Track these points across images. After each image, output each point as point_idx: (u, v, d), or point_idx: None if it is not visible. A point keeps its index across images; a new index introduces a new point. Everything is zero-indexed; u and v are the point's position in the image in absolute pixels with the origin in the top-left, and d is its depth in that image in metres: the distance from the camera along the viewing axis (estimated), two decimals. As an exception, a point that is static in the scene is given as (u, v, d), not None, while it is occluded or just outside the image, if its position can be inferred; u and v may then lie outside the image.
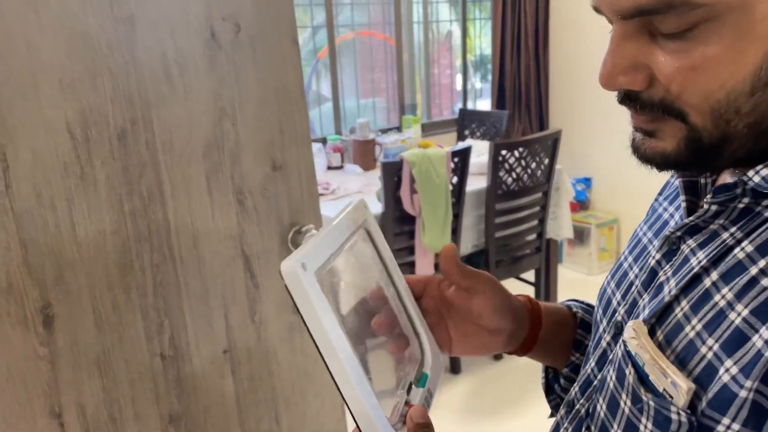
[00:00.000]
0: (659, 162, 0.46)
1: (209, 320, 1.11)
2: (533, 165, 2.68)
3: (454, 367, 2.74)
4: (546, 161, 2.73)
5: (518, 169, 2.64)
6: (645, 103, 0.45)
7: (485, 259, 2.73)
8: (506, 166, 2.60)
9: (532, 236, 2.87)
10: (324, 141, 3.41)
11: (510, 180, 2.64)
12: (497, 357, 2.84)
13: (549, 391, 0.73)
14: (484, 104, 4.55)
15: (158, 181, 1.02)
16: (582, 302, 0.72)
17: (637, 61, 0.43)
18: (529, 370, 2.68)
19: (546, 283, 3.07)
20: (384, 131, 3.69)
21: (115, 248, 0.99)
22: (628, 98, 0.46)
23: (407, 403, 0.54)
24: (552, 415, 0.74)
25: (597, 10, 0.45)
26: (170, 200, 1.04)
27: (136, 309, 1.03)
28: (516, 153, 2.60)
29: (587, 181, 4.01)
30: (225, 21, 1.06)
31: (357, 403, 0.47)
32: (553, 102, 4.24)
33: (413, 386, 0.57)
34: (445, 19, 4.45)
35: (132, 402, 1.04)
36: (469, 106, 4.50)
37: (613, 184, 3.87)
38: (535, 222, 2.83)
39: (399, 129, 3.86)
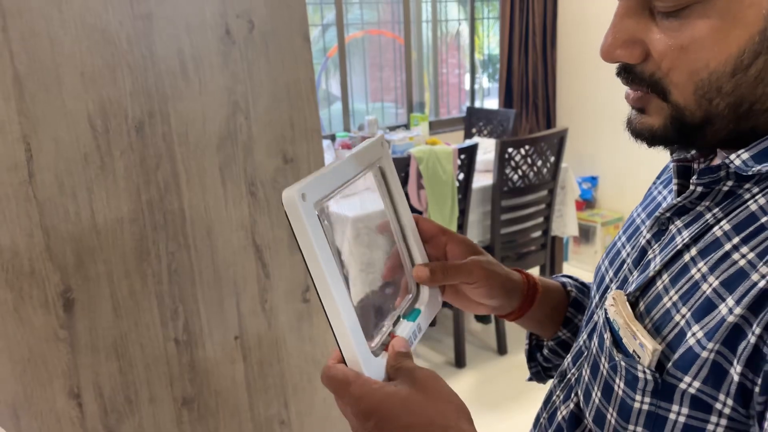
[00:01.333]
0: (647, 137, 0.49)
1: (221, 307, 1.15)
2: (539, 163, 2.71)
3: (459, 362, 2.78)
4: (552, 159, 2.76)
5: (524, 167, 2.67)
6: (636, 77, 0.48)
7: (491, 254, 2.76)
8: (512, 163, 2.63)
9: (538, 233, 2.89)
10: (333, 138, 3.44)
11: (516, 177, 2.67)
12: (501, 352, 2.87)
13: (531, 357, 0.78)
14: (492, 103, 4.58)
15: (174, 172, 1.06)
16: (577, 280, 0.76)
17: (635, 36, 0.47)
18: (533, 366, 2.70)
19: (551, 280, 3.09)
20: (392, 128, 3.73)
21: (133, 236, 1.03)
22: (624, 70, 0.49)
23: (391, 334, 0.57)
24: (530, 379, 0.79)
25: None
26: (185, 191, 1.08)
27: (151, 295, 1.07)
28: (522, 151, 2.63)
29: (593, 180, 4.03)
30: (239, 18, 1.10)
31: (340, 325, 0.50)
32: (560, 101, 4.25)
33: (402, 319, 0.60)
34: (453, 18, 4.48)
35: (147, 384, 1.09)
36: (477, 104, 4.52)
37: (619, 184, 3.89)
38: (540, 219, 2.85)
39: (407, 126, 3.89)
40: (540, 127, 4.21)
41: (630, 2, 0.46)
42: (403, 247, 0.63)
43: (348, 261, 0.60)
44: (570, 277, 0.76)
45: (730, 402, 0.42)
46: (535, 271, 3.08)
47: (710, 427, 0.43)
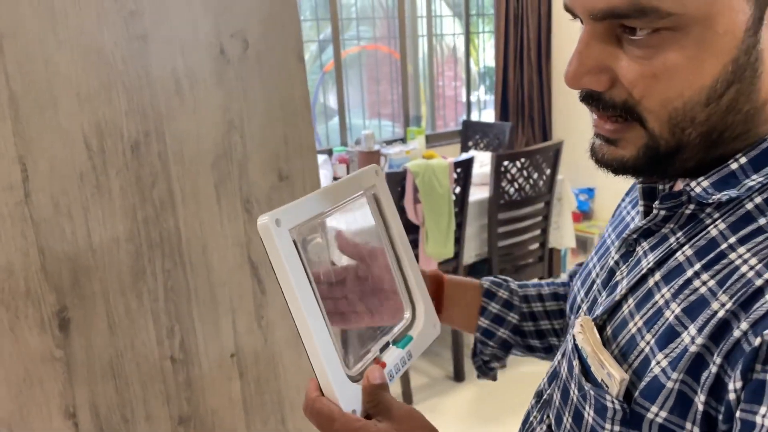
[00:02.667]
0: (616, 167, 0.50)
1: (217, 325, 1.15)
2: (535, 175, 2.72)
3: (458, 376, 2.77)
4: (548, 172, 2.77)
5: (520, 180, 2.68)
6: (607, 104, 0.47)
7: (488, 267, 2.76)
8: (508, 176, 2.64)
9: (535, 245, 2.90)
10: (330, 152, 3.46)
11: (512, 190, 2.68)
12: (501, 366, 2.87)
13: (474, 353, 0.81)
14: (490, 114, 4.60)
15: (170, 191, 1.07)
16: (498, 277, 0.78)
17: (602, 63, 0.46)
18: (532, 379, 2.69)
19: (549, 293, 3.09)
20: (389, 143, 3.75)
21: (129, 255, 1.04)
22: (590, 97, 0.48)
23: (376, 360, 0.57)
24: (479, 376, 0.82)
25: (568, 9, 0.48)
26: (181, 209, 1.09)
27: (147, 313, 1.07)
28: (518, 164, 2.64)
29: (590, 192, 4.04)
30: (233, 38, 1.11)
31: (313, 352, 0.50)
32: (555, 113, 4.28)
33: (390, 345, 0.59)
34: (449, 32, 4.51)
35: (143, 403, 1.08)
36: (475, 117, 4.55)
37: (617, 195, 3.88)
38: (537, 231, 2.86)
39: (404, 140, 3.91)
40: (536, 140, 4.23)
41: (597, 28, 0.45)
42: (398, 273, 0.63)
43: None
44: (493, 276, 0.80)
45: (696, 430, 0.43)
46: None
47: None
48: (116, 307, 1.04)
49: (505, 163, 2.60)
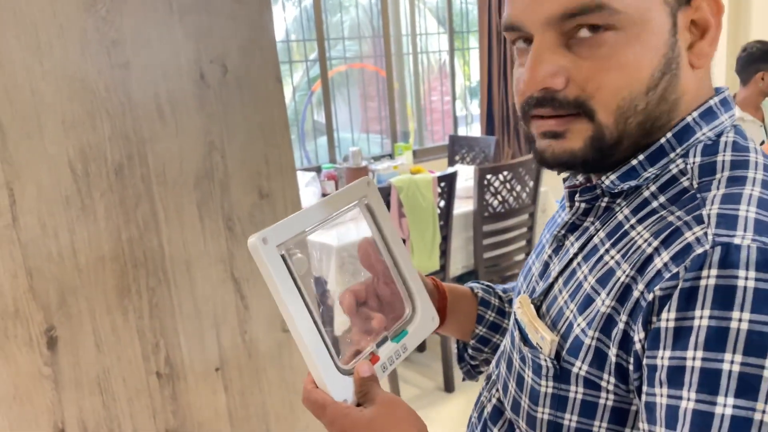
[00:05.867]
0: (566, 160, 0.55)
1: (202, 339, 1.19)
2: (518, 188, 2.77)
3: (448, 386, 2.80)
4: (531, 184, 2.82)
5: (504, 192, 2.73)
6: (561, 102, 0.53)
7: (475, 279, 2.80)
8: (492, 189, 2.69)
9: (521, 256, 2.94)
10: (318, 170, 3.51)
11: (496, 203, 2.73)
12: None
13: (460, 359, 0.86)
14: (477, 129, 4.67)
15: (153, 211, 1.11)
16: (482, 283, 0.84)
17: (557, 66, 0.52)
18: (521, 388, 2.72)
19: (537, 303, 3.13)
20: (377, 158, 3.80)
21: (114, 273, 1.08)
22: (544, 100, 0.54)
23: (372, 354, 0.62)
24: (464, 379, 0.87)
25: (514, 28, 0.54)
26: (164, 228, 1.13)
27: (133, 330, 1.11)
28: (501, 177, 2.69)
29: (577, 202, 4.10)
30: (213, 63, 1.16)
31: (304, 350, 0.57)
32: (541, 126, 4.34)
33: (388, 340, 0.65)
34: (434, 50, 4.59)
35: (130, 418, 1.12)
36: (463, 131, 4.61)
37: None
38: (523, 242, 2.91)
39: (391, 156, 3.96)
40: (522, 152, 4.29)
41: (547, 38, 0.52)
42: (396, 275, 0.68)
43: (333, 290, 0.65)
44: (477, 281, 0.86)
45: (612, 380, 0.50)
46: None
47: (601, 401, 0.51)
48: (102, 324, 1.07)
49: (488, 176, 2.66)
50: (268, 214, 1.25)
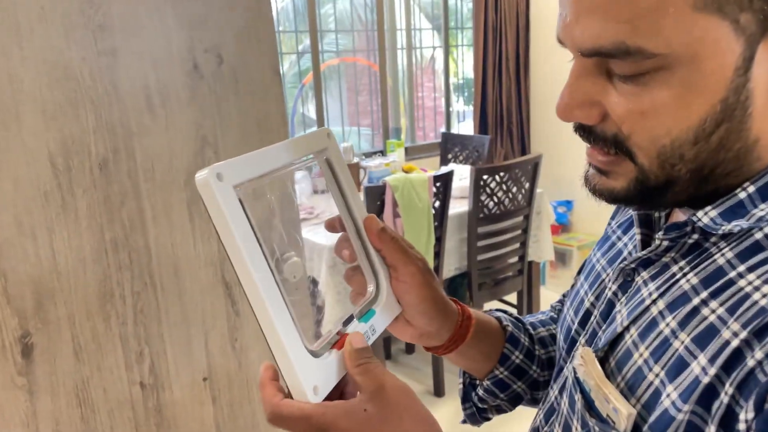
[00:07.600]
0: (607, 197, 0.49)
1: (189, 347, 1.11)
2: (514, 189, 2.72)
3: (438, 391, 2.74)
4: (527, 185, 2.77)
5: (499, 194, 2.68)
6: (598, 137, 0.47)
7: (468, 281, 2.75)
8: (487, 190, 2.64)
9: (514, 259, 2.89)
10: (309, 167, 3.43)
11: (491, 204, 2.67)
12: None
13: (465, 398, 0.74)
14: (468, 126, 4.62)
15: (140, 210, 1.03)
16: (511, 315, 0.73)
17: (592, 97, 0.46)
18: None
19: (528, 305, 3.10)
20: (368, 155, 3.73)
21: (96, 276, 1.00)
22: (582, 129, 0.48)
23: (339, 333, 0.52)
24: (464, 421, 0.75)
25: (561, 42, 0.48)
26: (152, 228, 1.05)
27: (115, 337, 1.03)
28: (497, 177, 2.64)
29: (569, 204, 4.07)
30: (207, 53, 1.08)
31: (269, 325, 0.45)
32: (534, 126, 4.30)
33: (355, 320, 0.55)
34: (428, 45, 4.53)
35: (111, 431, 1.04)
36: (454, 129, 4.55)
37: (595, 207, 3.90)
38: (517, 245, 2.86)
39: (383, 153, 3.90)
40: (515, 152, 4.25)
41: (587, 63, 0.45)
42: (358, 244, 0.58)
43: (324, 290, 0.57)
44: (503, 311, 0.74)
45: None
46: (512, 297, 3.07)
47: None
48: (82, 331, 0.99)
49: (485, 176, 2.60)
50: (262, 214, 1.18)
